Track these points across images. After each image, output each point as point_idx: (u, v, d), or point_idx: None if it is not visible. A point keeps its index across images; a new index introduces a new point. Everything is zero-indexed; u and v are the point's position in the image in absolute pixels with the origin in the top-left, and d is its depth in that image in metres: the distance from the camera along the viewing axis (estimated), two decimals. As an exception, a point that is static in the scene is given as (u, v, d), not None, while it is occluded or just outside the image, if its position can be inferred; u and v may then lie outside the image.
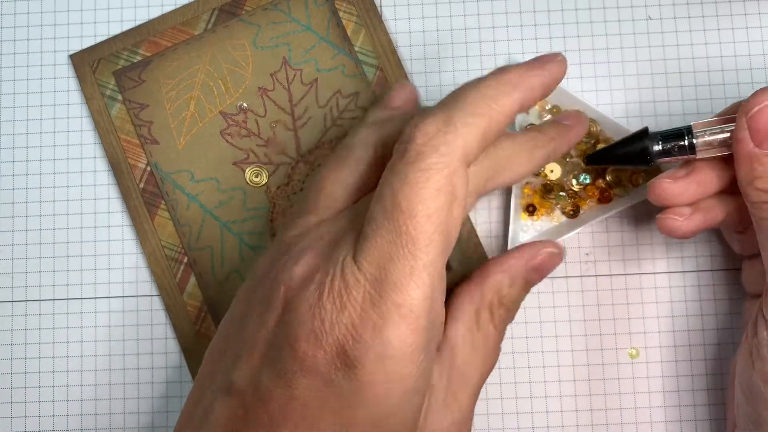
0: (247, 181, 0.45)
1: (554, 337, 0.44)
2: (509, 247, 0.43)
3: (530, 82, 0.34)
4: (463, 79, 0.45)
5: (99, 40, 0.46)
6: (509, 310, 0.39)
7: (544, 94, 0.36)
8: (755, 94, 0.36)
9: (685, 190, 0.38)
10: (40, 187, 0.45)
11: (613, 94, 0.45)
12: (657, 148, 0.39)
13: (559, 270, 0.44)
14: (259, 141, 0.45)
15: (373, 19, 0.45)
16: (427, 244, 0.31)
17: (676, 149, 0.38)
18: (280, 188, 0.45)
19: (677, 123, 0.44)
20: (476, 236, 0.44)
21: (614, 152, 0.41)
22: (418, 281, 0.31)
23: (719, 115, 0.39)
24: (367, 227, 0.32)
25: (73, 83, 0.46)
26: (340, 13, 0.45)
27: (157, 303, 0.45)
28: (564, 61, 0.36)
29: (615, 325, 0.44)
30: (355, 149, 0.38)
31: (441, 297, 0.33)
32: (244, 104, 0.45)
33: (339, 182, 0.37)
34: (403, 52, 0.46)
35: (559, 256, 0.39)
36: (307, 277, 0.33)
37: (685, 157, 0.38)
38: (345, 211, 0.36)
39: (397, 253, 0.31)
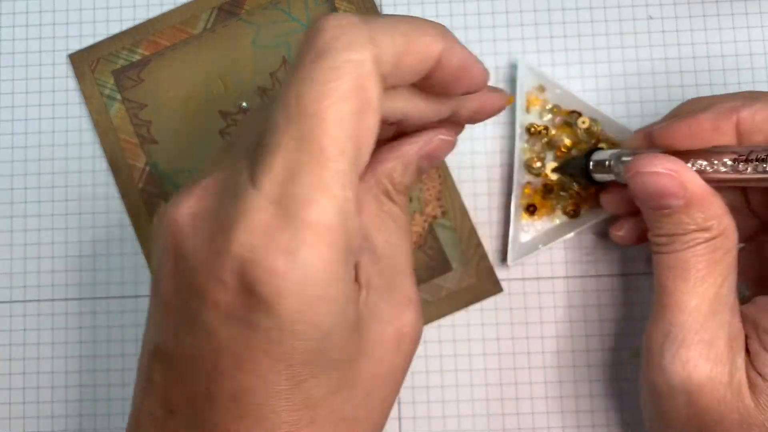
0: (247, 180, 0.45)
1: (555, 338, 0.44)
2: (510, 247, 0.43)
3: (459, 47, 0.32)
4: (463, 78, 0.45)
5: (98, 39, 0.46)
6: (404, 195, 0.36)
7: (463, 84, 0.33)
8: (635, 158, 0.36)
9: (612, 204, 0.41)
10: (39, 187, 0.45)
11: (614, 94, 0.45)
12: (591, 166, 0.41)
13: (560, 270, 0.44)
14: (258, 140, 0.45)
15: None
16: (339, 153, 0.27)
17: (608, 171, 0.40)
18: (279, 188, 0.45)
19: (678, 122, 0.45)
20: (477, 236, 0.44)
21: (570, 164, 0.43)
22: (331, 194, 0.27)
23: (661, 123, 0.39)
24: (267, 138, 0.28)
25: (72, 83, 0.46)
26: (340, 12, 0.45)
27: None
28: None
29: (616, 326, 0.44)
30: None
31: (355, 207, 0.29)
32: (244, 104, 0.45)
33: None
34: (403, 52, 0.46)
35: (451, 143, 0.36)
36: (195, 214, 0.29)
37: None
38: (236, 141, 0.33)
39: (305, 163, 0.27)
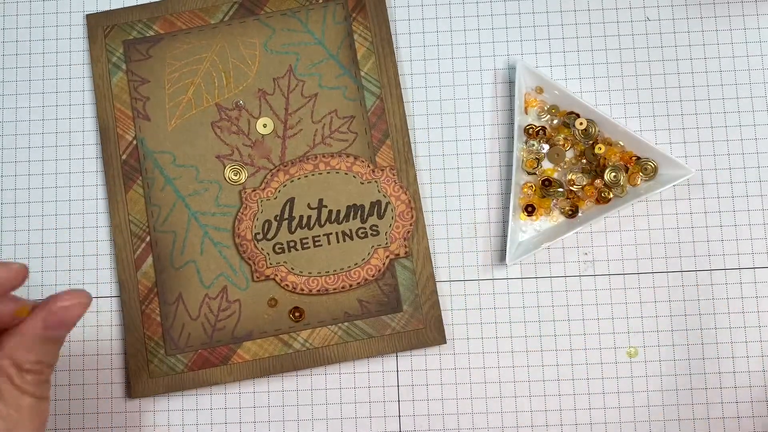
0: (225, 177, 0.45)
1: (553, 336, 0.43)
2: (508, 247, 0.43)
3: None
4: (462, 80, 0.46)
5: (114, 7, 0.47)
6: (37, 371, 0.36)
7: None
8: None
9: None
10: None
11: (612, 95, 0.45)
12: None
13: (558, 270, 0.44)
14: (246, 140, 0.45)
15: (385, 48, 0.46)
16: None
17: None
18: (255, 191, 0.44)
19: (676, 124, 0.45)
20: (434, 283, 0.44)
21: None
22: None
23: None
24: None
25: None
26: (355, 36, 0.46)
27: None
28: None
29: (613, 325, 0.43)
30: None
31: None
32: (241, 101, 0.46)
33: None
34: (403, 53, 0.47)
35: (81, 304, 0.36)
36: None
37: None
38: None
39: None
